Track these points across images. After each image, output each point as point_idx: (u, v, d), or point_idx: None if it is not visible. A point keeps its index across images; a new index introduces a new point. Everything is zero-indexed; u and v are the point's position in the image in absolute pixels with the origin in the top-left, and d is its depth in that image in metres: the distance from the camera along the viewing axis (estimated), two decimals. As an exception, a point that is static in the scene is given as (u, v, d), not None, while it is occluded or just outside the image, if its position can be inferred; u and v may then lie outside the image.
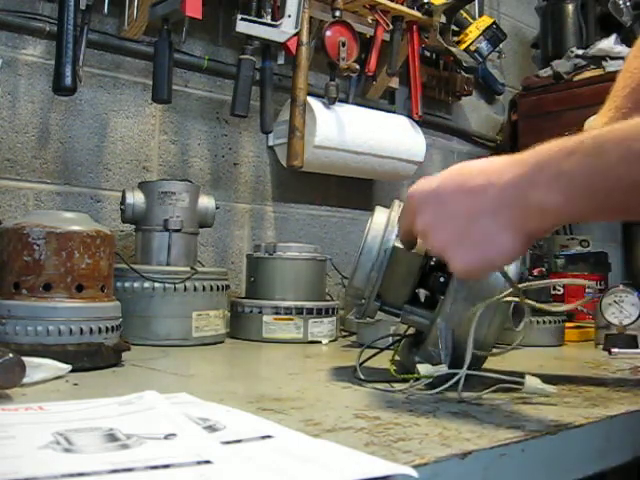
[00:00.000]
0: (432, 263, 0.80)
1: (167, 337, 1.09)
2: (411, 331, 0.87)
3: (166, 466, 0.41)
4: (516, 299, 0.72)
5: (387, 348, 0.86)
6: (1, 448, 0.44)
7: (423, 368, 0.72)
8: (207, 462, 0.42)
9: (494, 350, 0.78)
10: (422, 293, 0.82)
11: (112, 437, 0.48)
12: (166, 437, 0.48)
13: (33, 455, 0.43)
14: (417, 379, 0.72)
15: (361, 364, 0.80)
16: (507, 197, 0.58)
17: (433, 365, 0.72)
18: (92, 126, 1.30)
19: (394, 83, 1.71)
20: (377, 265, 0.77)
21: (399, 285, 0.79)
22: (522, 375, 0.70)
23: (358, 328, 1.21)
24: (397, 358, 0.80)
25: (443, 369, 0.72)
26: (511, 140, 2.03)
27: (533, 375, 0.70)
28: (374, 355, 0.84)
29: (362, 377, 0.75)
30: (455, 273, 0.64)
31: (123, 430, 0.49)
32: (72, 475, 0.39)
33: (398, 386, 0.73)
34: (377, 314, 0.83)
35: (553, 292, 1.61)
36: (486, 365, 0.78)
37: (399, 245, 0.75)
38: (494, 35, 1.77)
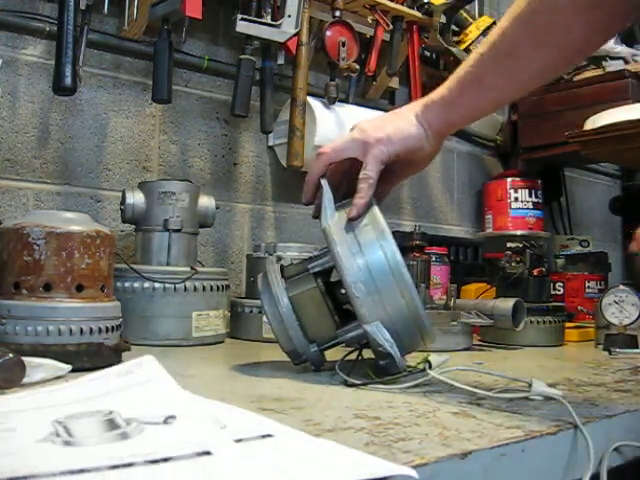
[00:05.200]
0: (331, 280, 0.83)
1: (167, 337, 1.09)
2: None
3: (166, 459, 0.41)
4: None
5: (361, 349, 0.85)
6: (1, 442, 0.44)
7: (434, 359, 0.74)
8: (207, 453, 0.42)
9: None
10: (346, 309, 0.83)
11: (112, 424, 0.48)
12: (165, 421, 0.48)
13: (32, 450, 0.43)
14: (411, 371, 0.75)
15: (346, 369, 0.79)
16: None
17: (385, 360, 0.76)
18: (92, 126, 1.31)
19: (394, 83, 1.71)
20: (289, 323, 0.80)
21: (319, 322, 0.81)
22: (529, 378, 0.70)
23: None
24: (369, 372, 0.79)
25: (444, 357, 0.75)
26: (511, 140, 2.03)
27: (538, 378, 0.70)
28: (353, 352, 0.84)
29: (356, 382, 0.75)
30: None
31: (123, 414, 0.49)
32: (72, 472, 0.39)
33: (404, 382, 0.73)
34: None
35: (553, 292, 1.61)
36: (490, 367, 0.78)
37: (293, 293, 0.80)
38: (494, 35, 1.76)
